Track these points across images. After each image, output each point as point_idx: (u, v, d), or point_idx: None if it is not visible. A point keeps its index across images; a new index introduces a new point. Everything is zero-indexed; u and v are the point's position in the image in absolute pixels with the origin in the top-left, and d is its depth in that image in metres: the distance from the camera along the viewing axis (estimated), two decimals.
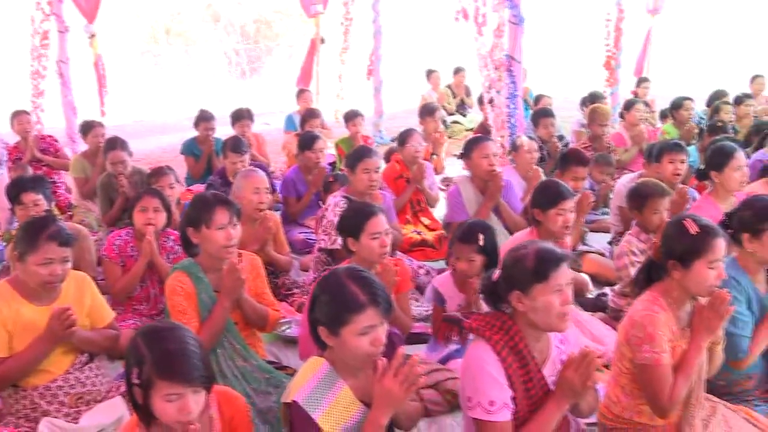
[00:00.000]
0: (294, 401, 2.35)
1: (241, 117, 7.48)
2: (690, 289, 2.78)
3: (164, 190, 4.72)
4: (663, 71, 15.37)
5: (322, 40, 11.82)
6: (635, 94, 10.26)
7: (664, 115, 9.08)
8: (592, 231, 5.85)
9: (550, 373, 2.55)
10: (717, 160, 4.55)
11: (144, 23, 25.38)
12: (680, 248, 2.76)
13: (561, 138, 7.03)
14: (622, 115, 7.90)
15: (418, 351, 3.89)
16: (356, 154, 4.84)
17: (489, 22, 6.13)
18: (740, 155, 4.53)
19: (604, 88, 11.36)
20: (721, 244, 2.74)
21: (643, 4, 13.36)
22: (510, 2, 6.08)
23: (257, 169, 4.93)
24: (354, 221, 3.49)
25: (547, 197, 3.98)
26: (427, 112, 7.63)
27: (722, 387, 3.27)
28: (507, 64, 6.13)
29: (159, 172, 5.22)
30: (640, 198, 4.29)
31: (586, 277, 4.81)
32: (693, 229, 2.75)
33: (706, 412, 2.97)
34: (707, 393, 3.10)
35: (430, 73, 11.31)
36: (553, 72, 17.78)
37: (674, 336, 2.79)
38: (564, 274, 2.44)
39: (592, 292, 4.78)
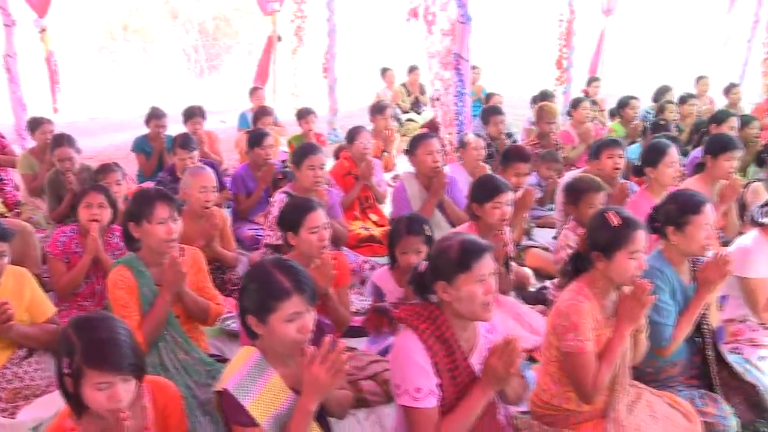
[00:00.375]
0: (225, 389, 2.41)
1: (192, 114, 7.47)
2: (613, 279, 2.89)
3: (111, 187, 4.72)
4: (616, 70, 15.67)
5: (279, 38, 11.82)
6: (586, 92, 10.45)
7: (613, 114, 9.27)
8: (538, 227, 5.98)
9: (477, 361, 2.63)
10: (651, 156, 4.70)
11: (101, 19, 25.04)
12: (603, 240, 2.87)
13: (509, 135, 7.16)
14: (570, 114, 8.07)
15: (360, 344, 4.00)
16: (301, 150, 4.90)
17: (438, 21, 6.20)
18: (673, 152, 4.68)
19: (555, 87, 11.60)
20: (641, 235, 2.86)
21: (597, 4, 13.61)
22: (458, 1, 6.17)
23: (205, 166, 4.95)
24: (293, 216, 3.54)
25: (484, 191, 4.08)
26: (377, 110, 7.70)
27: (650, 374, 3.38)
28: (455, 62, 6.23)
29: (106, 169, 5.21)
30: (575, 193, 4.42)
31: (528, 271, 4.93)
32: (614, 221, 2.86)
33: (631, 397, 3.07)
34: (635, 380, 3.23)
35: (384, 72, 11.38)
36: (509, 71, 18.02)
37: (598, 325, 2.89)
38: (487, 265, 2.52)
39: (534, 286, 4.90)
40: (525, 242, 5.48)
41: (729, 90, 10.21)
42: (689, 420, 3.08)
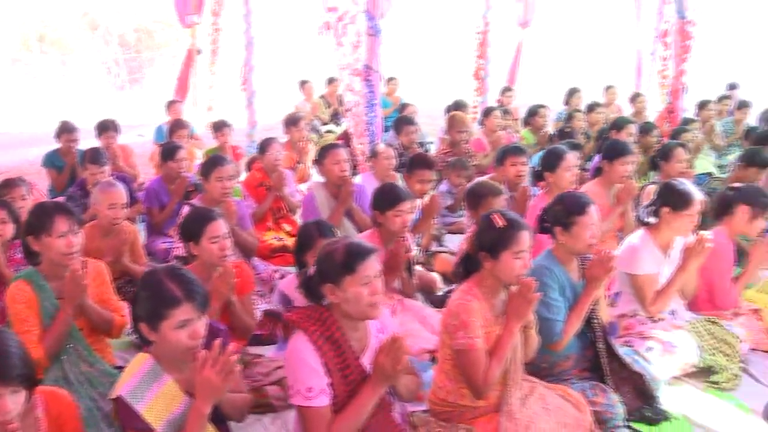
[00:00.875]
0: (119, 396, 2.44)
1: (106, 128, 7.39)
2: (500, 278, 3.03)
3: (15, 202, 4.67)
4: (533, 81, 16.12)
5: (199, 51, 11.78)
6: (500, 102, 10.75)
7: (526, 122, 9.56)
8: (450, 233, 6.14)
9: (370, 361, 2.72)
10: (550, 161, 4.91)
11: (14, 30, 24.37)
12: (489, 241, 3.01)
13: (422, 145, 7.33)
14: (481, 122, 8.30)
15: (268, 351, 4.06)
16: (210, 162, 4.93)
17: (348, 34, 6.32)
18: (570, 157, 4.91)
19: (474, 98, 11.87)
20: (525, 236, 3.00)
21: (514, 17, 14.01)
22: (367, 14, 6.31)
23: (116, 182, 4.91)
24: (193, 226, 3.59)
25: (385, 200, 4.19)
26: (291, 122, 7.76)
27: (545, 369, 3.54)
28: (365, 73, 6.35)
29: (10, 184, 5.12)
30: (476, 198, 4.58)
31: (436, 276, 5.05)
32: (499, 223, 3.00)
33: (524, 391, 3.22)
34: (531, 375, 3.38)
35: (303, 84, 11.47)
36: (429, 82, 18.32)
37: (488, 322, 3.03)
38: (371, 267, 2.62)
39: (442, 290, 5.03)
40: (435, 248, 5.62)
41: (634, 99, 10.65)
42: (580, 410, 3.24)
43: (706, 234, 3.95)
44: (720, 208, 4.44)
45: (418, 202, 5.24)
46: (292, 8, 18.64)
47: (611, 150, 5.23)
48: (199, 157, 8.00)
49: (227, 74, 11.78)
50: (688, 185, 4.09)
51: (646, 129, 7.65)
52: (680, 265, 3.97)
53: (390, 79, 11.86)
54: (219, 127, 7.84)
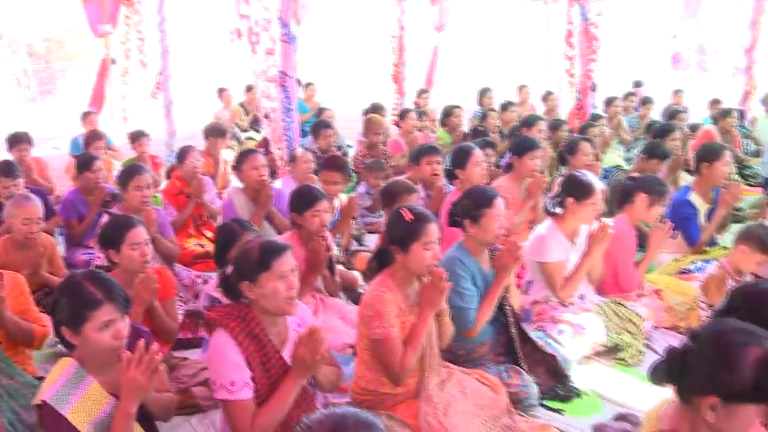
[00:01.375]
0: (43, 401, 2.47)
1: (18, 141, 7.23)
2: (411, 270, 3.17)
3: None
4: (451, 82, 16.45)
5: (113, 61, 11.62)
6: (417, 104, 10.96)
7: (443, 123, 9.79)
8: (369, 232, 6.26)
9: (290, 354, 2.82)
10: (459, 158, 5.11)
11: None
12: (399, 234, 3.14)
13: (340, 148, 7.45)
14: (398, 124, 8.48)
15: (193, 354, 4.10)
16: (127, 172, 4.94)
17: (262, 41, 6.39)
18: (478, 153, 5.11)
19: (392, 100, 12.07)
20: (433, 228, 3.15)
21: (429, 21, 14.28)
22: (280, 21, 6.39)
23: (32, 196, 4.84)
24: (113, 233, 3.62)
25: (302, 201, 4.29)
26: (216, 132, 7.75)
27: (462, 355, 3.71)
28: (280, 80, 6.43)
29: None
30: (390, 196, 4.73)
31: (356, 274, 5.17)
32: (408, 216, 3.14)
33: (442, 377, 3.37)
34: (449, 362, 3.54)
35: (221, 92, 11.45)
36: (348, 86, 18.46)
37: (402, 312, 3.16)
38: (286, 262, 2.73)
39: (363, 287, 5.15)
40: (356, 247, 5.75)
41: (546, 97, 11.03)
42: (496, 392, 3.42)
43: (608, 221, 4.20)
44: (621, 197, 4.71)
45: (337, 203, 5.37)
46: (207, 16, 18.50)
47: (520, 146, 5.46)
48: (118, 168, 7.92)
49: (142, 84, 11.63)
50: (589, 176, 4.32)
51: (556, 125, 7.98)
52: (585, 252, 4.20)
53: (308, 85, 11.96)
54: (137, 137, 7.78)
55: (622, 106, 11.26)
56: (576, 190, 4.24)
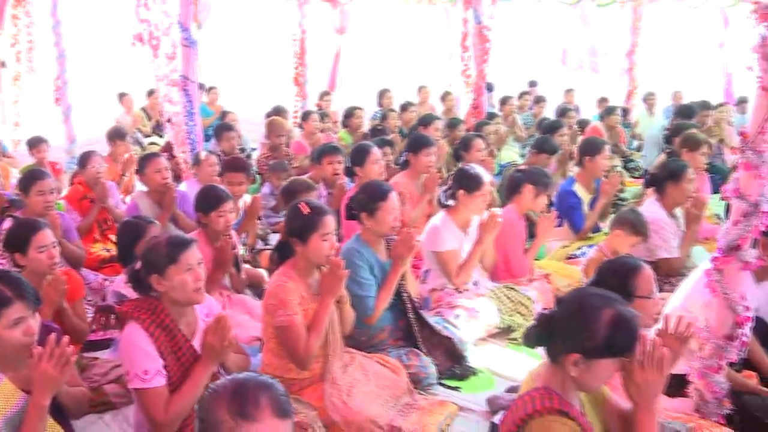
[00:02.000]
0: None
1: None
2: (311, 260, 3.38)
3: None
4: (354, 84, 16.68)
5: (3, 64, 11.29)
6: (319, 106, 11.16)
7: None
8: (274, 232, 6.39)
9: (200, 343, 2.98)
10: (358, 157, 5.35)
11: None
12: (297, 226, 3.35)
13: (243, 150, 7.57)
14: (300, 126, 8.66)
15: (104, 354, 4.18)
16: (28, 177, 4.95)
17: (162, 45, 6.43)
18: (375, 151, 5.36)
19: (295, 103, 12.20)
20: (329, 220, 3.36)
21: (331, 24, 14.45)
22: (180, 26, 6.46)
23: None
24: (20, 236, 3.68)
25: (207, 201, 4.43)
26: (116, 135, 7.72)
27: (364, 341, 3.93)
28: (182, 84, 6.50)
29: None
30: (291, 194, 4.92)
31: (262, 272, 5.33)
32: (305, 210, 3.35)
33: (345, 361, 3.60)
34: (352, 348, 3.76)
35: (122, 97, 11.32)
36: (252, 89, 18.46)
37: (304, 300, 3.37)
38: (193, 255, 2.89)
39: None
40: (261, 246, 5.91)
41: (444, 97, 11.42)
42: (396, 374, 3.67)
43: (497, 211, 4.51)
44: (510, 189, 5.05)
45: (241, 204, 5.51)
46: (105, 19, 18.16)
47: (414, 143, 5.75)
48: (15, 175, 7.79)
49: (37, 88, 11.34)
50: (478, 170, 4.62)
51: (453, 124, 8.33)
52: (477, 240, 4.50)
53: (210, 89, 11.97)
54: (35, 144, 7.69)
55: (517, 105, 11.81)
56: (466, 183, 4.53)
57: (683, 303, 3.53)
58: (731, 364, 3.50)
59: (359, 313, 3.78)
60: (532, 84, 15.30)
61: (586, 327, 2.18)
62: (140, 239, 3.77)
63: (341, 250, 3.92)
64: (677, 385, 3.52)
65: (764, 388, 3.56)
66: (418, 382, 3.78)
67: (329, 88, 14.31)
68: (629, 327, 2.19)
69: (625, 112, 11.27)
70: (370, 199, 3.88)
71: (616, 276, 2.87)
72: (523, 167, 5.25)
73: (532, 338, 2.38)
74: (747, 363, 3.71)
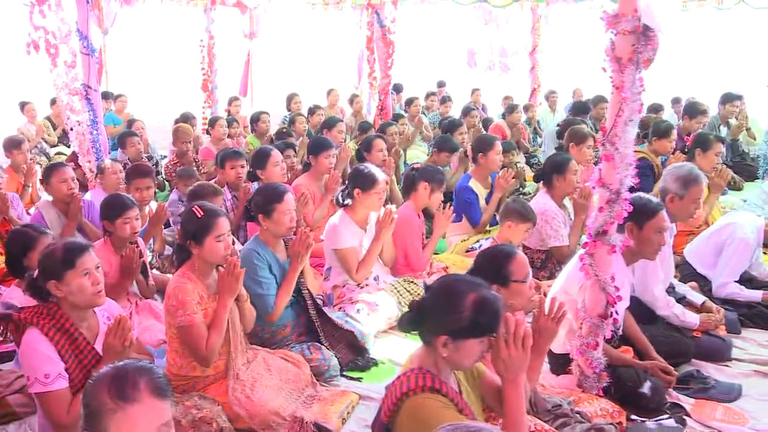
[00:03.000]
0: None
1: None
2: (208, 261, 3.51)
3: None
4: (267, 89, 16.74)
5: None
6: (228, 112, 11.19)
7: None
8: None
9: (102, 345, 3.08)
10: (259, 161, 5.51)
11: None
12: (192, 229, 3.48)
13: (150, 158, 7.59)
14: (208, 132, 8.72)
15: (5, 366, 4.20)
16: None
17: (61, 54, 6.39)
18: (276, 154, 5.53)
19: (204, 109, 12.17)
20: (223, 222, 3.50)
21: (240, 29, 14.46)
22: (79, 34, 6.44)
23: None
24: None
25: (112, 209, 4.46)
26: (12, 145, 7.60)
27: (268, 338, 4.09)
28: (84, 92, 6.48)
29: None
30: (196, 199, 4.98)
31: (170, 277, 5.37)
32: (199, 213, 3.48)
33: (248, 357, 3.74)
34: (255, 345, 3.90)
35: (23, 106, 11.08)
36: (163, 96, 18.30)
37: (203, 300, 3.49)
38: (89, 259, 2.99)
39: None
40: (169, 252, 5.95)
41: (352, 100, 11.63)
42: (299, 368, 3.83)
43: (392, 207, 4.73)
44: (406, 187, 5.27)
45: (147, 210, 5.56)
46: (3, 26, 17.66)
47: (315, 146, 5.93)
48: None
49: None
50: (372, 169, 4.83)
51: (363, 128, 8.52)
52: (375, 237, 4.70)
53: (118, 97, 11.85)
54: None
55: (424, 105, 12.11)
56: (361, 182, 4.73)
57: (563, 286, 3.81)
58: (609, 341, 3.81)
59: (260, 310, 3.93)
60: (441, 84, 15.65)
61: (452, 310, 2.38)
62: (30, 249, 3.82)
63: (242, 251, 4.07)
64: (562, 364, 3.83)
65: (638, 362, 3.86)
66: (320, 375, 3.95)
67: (241, 93, 14.32)
68: (491, 308, 2.41)
69: (527, 109, 11.69)
70: (266, 201, 4.03)
71: (492, 263, 3.09)
72: (418, 166, 5.46)
73: (406, 324, 2.57)
74: (624, 339, 4.02)
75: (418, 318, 2.50)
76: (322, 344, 4.14)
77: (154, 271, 5.26)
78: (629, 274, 4.13)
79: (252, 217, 4.12)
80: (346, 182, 4.89)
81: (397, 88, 14.50)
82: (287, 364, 3.84)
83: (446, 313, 2.40)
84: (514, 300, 3.05)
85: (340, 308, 4.63)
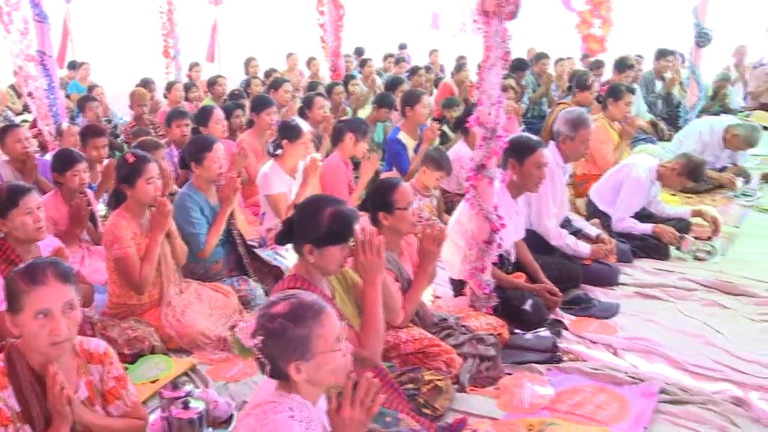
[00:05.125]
0: None
1: None
2: (140, 201, 3.96)
3: None
4: (234, 54, 17.01)
5: None
6: (189, 77, 11.58)
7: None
8: None
9: None
10: (201, 118, 5.98)
11: None
12: (125, 173, 3.95)
13: (109, 121, 8.02)
14: (165, 96, 9.14)
15: None
16: None
17: (15, 21, 6.73)
18: (218, 112, 6.06)
19: (167, 75, 12.54)
20: (153, 166, 3.95)
21: None
22: (31, 1, 6.80)
23: None
24: None
25: (62, 162, 4.85)
26: None
27: (203, 273, 4.56)
28: (39, 59, 6.87)
29: None
30: (140, 149, 5.46)
31: None
32: (131, 159, 3.95)
33: (181, 288, 4.22)
34: (190, 278, 4.39)
35: None
36: (126, 63, 18.46)
37: (137, 236, 3.96)
38: (32, 200, 3.49)
39: None
40: None
41: (309, 63, 12.05)
42: (227, 297, 4.32)
43: (317, 156, 5.21)
44: (334, 137, 5.76)
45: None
46: None
47: (257, 104, 6.39)
48: None
49: None
50: (298, 121, 5.31)
51: (311, 87, 8.97)
52: (302, 182, 5.19)
53: (81, 65, 12.18)
54: None
55: (381, 67, 12.56)
56: (288, 133, 5.21)
57: (457, 218, 4.33)
58: (501, 267, 4.35)
59: (193, 248, 4.42)
60: (402, 47, 16.05)
61: (313, 222, 2.86)
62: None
63: (176, 195, 4.56)
64: (460, 288, 4.36)
65: (526, 284, 4.38)
66: (247, 303, 4.45)
67: (208, 59, 14.66)
68: (345, 219, 2.89)
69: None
70: (197, 149, 4.50)
71: (379, 193, 3.57)
72: (344, 118, 5.93)
73: (280, 237, 3.05)
74: (518, 266, 4.55)
75: (288, 231, 2.98)
76: (250, 277, 4.64)
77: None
78: (523, 208, 4.67)
79: (185, 165, 4.58)
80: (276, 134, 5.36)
81: (359, 51, 14.94)
82: (217, 294, 4.34)
83: (309, 225, 2.86)
84: (399, 225, 3.53)
85: (273, 248, 5.12)
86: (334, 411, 2.12)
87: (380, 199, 3.55)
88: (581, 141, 4.88)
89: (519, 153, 4.22)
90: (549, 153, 4.72)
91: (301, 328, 2.04)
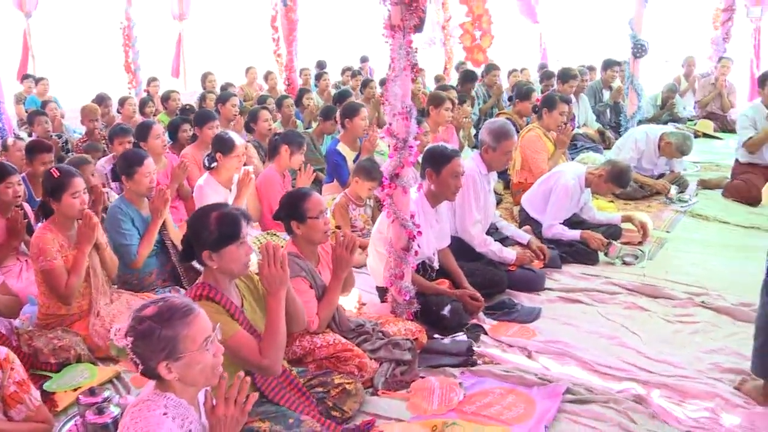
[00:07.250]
0: None
1: None
2: (66, 215, 4.06)
3: None
4: (198, 68, 17.11)
5: None
6: (147, 91, 11.69)
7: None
8: None
9: None
10: (141, 133, 6.05)
11: None
12: (51, 188, 4.04)
13: (60, 136, 8.07)
14: (119, 111, 9.25)
15: None
16: None
17: None
18: (157, 127, 6.07)
19: (129, 90, 12.64)
20: (78, 181, 4.05)
21: (169, 10, 14.85)
22: None
23: None
24: None
25: None
26: None
27: (137, 284, 4.66)
28: None
29: None
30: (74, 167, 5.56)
31: None
32: (56, 174, 4.05)
33: (112, 298, 4.31)
34: (123, 289, 4.49)
35: None
36: (86, 78, 18.44)
37: (63, 248, 4.06)
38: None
39: None
40: None
41: (267, 77, 12.18)
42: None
43: (250, 168, 5.35)
44: (270, 150, 5.89)
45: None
46: None
47: (199, 118, 6.52)
48: None
49: None
50: (232, 135, 5.44)
51: (260, 100, 9.11)
52: (236, 195, 5.31)
53: (39, 80, 12.21)
54: None
55: (341, 80, 12.74)
56: (222, 146, 5.34)
57: (378, 226, 4.46)
58: (425, 274, 4.50)
59: (125, 259, 4.53)
60: (364, 59, 16.21)
61: (203, 229, 2.94)
62: None
63: (108, 208, 4.67)
64: (384, 295, 4.49)
65: (448, 290, 4.51)
66: None
67: (173, 74, 14.77)
68: (231, 218, 2.96)
69: (438, 80, 12.31)
70: (128, 164, 4.61)
71: (292, 203, 3.69)
72: (279, 132, 6.07)
73: (182, 256, 3.14)
74: (442, 272, 4.69)
75: (189, 248, 3.05)
76: (183, 287, 4.75)
77: None
78: (449, 216, 4.83)
79: (117, 177, 4.70)
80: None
81: (321, 65, 15.10)
82: (139, 299, 4.42)
83: (200, 233, 2.94)
84: (311, 234, 3.66)
85: None
86: (210, 410, 2.25)
87: (292, 209, 3.68)
88: (503, 152, 5.04)
89: (435, 163, 4.38)
90: (471, 162, 4.90)
91: (168, 329, 2.18)
